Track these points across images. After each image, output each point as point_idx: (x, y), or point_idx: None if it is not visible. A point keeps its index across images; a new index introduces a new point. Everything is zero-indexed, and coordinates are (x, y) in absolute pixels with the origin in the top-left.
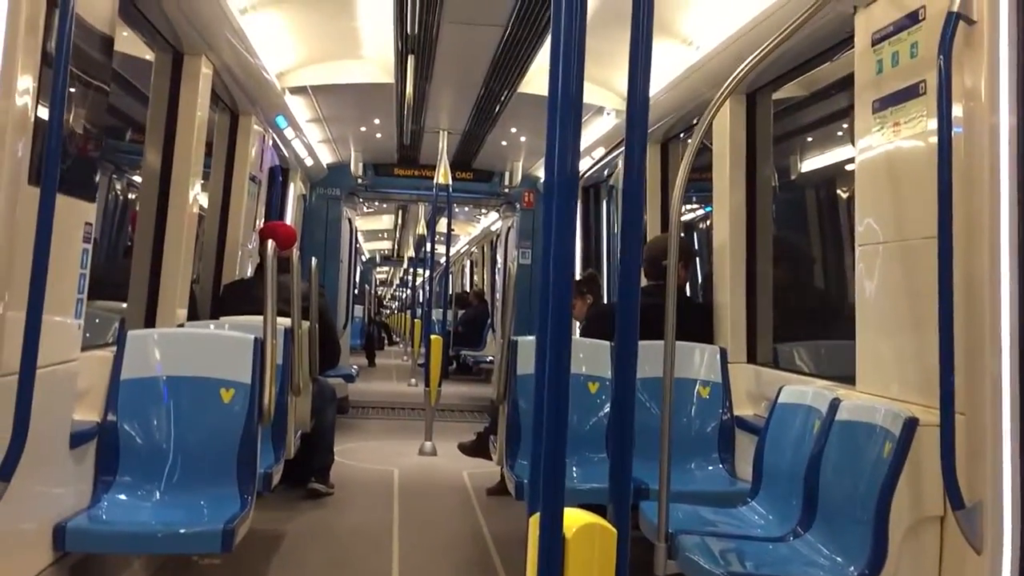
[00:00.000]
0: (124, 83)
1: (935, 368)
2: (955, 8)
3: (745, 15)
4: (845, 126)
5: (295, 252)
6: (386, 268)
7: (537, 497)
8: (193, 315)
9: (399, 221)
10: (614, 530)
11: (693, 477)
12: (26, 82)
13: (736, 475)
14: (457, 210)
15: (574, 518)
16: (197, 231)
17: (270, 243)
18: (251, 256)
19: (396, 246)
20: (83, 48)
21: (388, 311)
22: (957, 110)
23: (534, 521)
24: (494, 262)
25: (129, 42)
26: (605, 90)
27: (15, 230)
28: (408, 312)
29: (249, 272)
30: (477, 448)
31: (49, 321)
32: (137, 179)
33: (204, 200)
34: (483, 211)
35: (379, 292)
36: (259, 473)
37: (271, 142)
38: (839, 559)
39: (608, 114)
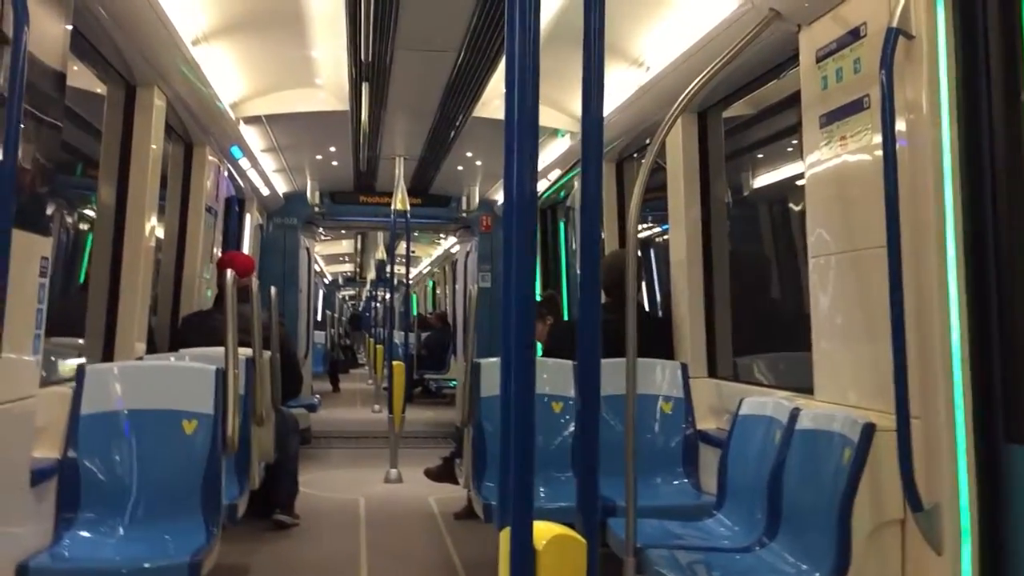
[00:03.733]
0: (76, 117)
1: (889, 374)
2: (894, 24)
3: (694, 35)
4: (795, 142)
5: (254, 281)
6: (351, 290)
7: (507, 511)
8: (151, 348)
9: (359, 245)
10: (584, 541)
11: (659, 492)
12: None
13: (701, 489)
14: (418, 233)
15: (544, 531)
16: (154, 264)
17: (229, 272)
18: (209, 287)
19: (358, 268)
20: (36, 85)
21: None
22: (900, 122)
23: (504, 535)
24: (455, 284)
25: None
26: (559, 112)
27: None
28: (368, 335)
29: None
30: (443, 473)
31: (6, 357)
32: (91, 213)
33: (160, 232)
34: (441, 236)
35: (349, 310)
36: (224, 505)
37: (226, 173)
38: (804, 566)
39: (563, 136)
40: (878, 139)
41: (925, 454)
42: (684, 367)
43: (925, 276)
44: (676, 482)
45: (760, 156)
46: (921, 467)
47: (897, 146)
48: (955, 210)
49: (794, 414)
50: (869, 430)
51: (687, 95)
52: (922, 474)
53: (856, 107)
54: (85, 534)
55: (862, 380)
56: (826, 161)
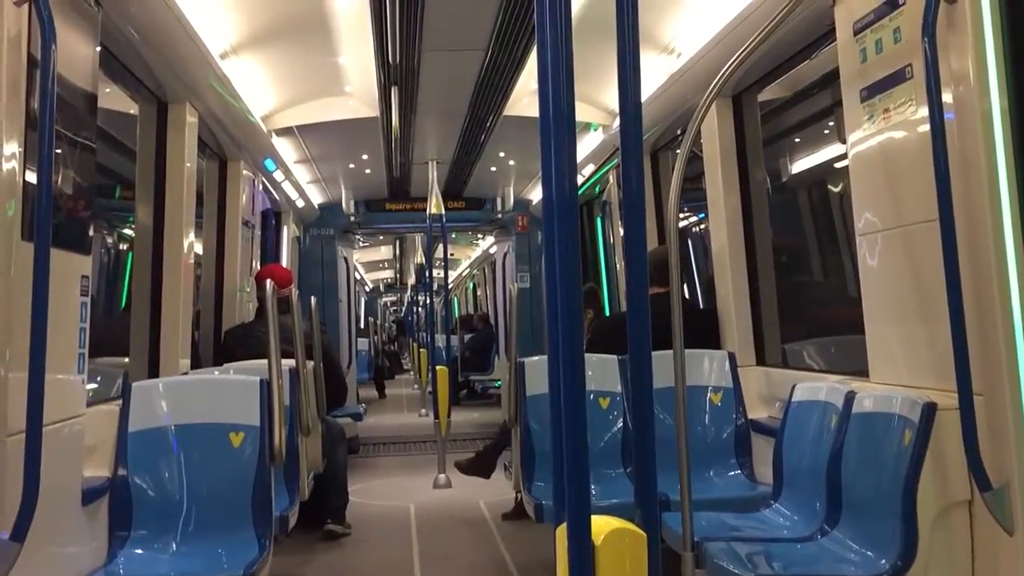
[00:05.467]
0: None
1: (947, 351)
2: None
3: (725, 17)
4: (831, 123)
5: (294, 292)
6: (392, 296)
7: (562, 507)
8: (196, 363)
9: (397, 251)
10: (643, 534)
11: (713, 485)
12: (12, 146)
13: (756, 479)
14: (455, 236)
15: (601, 525)
16: (195, 280)
17: (268, 283)
18: (250, 301)
19: (398, 274)
20: (67, 105)
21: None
22: (946, 91)
23: (561, 531)
24: (495, 285)
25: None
26: (590, 106)
27: (12, 287)
28: (411, 340)
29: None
30: (475, 466)
31: (52, 377)
32: (131, 233)
33: (199, 248)
34: (480, 236)
35: (393, 317)
36: (275, 516)
37: (261, 186)
38: (869, 553)
39: (595, 130)
40: (923, 110)
41: (990, 432)
42: (732, 356)
43: (981, 249)
44: (730, 473)
45: (797, 140)
46: (987, 445)
47: (944, 115)
48: (1009, 179)
49: (850, 398)
50: (930, 410)
51: (721, 78)
52: (988, 452)
53: (898, 78)
54: (139, 551)
55: (917, 359)
56: (869, 135)
